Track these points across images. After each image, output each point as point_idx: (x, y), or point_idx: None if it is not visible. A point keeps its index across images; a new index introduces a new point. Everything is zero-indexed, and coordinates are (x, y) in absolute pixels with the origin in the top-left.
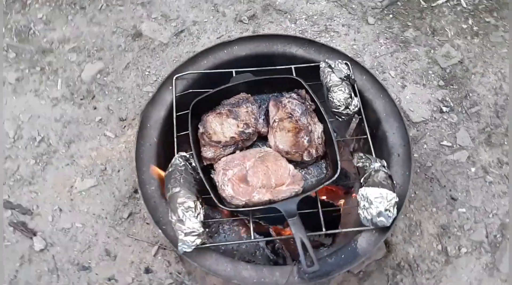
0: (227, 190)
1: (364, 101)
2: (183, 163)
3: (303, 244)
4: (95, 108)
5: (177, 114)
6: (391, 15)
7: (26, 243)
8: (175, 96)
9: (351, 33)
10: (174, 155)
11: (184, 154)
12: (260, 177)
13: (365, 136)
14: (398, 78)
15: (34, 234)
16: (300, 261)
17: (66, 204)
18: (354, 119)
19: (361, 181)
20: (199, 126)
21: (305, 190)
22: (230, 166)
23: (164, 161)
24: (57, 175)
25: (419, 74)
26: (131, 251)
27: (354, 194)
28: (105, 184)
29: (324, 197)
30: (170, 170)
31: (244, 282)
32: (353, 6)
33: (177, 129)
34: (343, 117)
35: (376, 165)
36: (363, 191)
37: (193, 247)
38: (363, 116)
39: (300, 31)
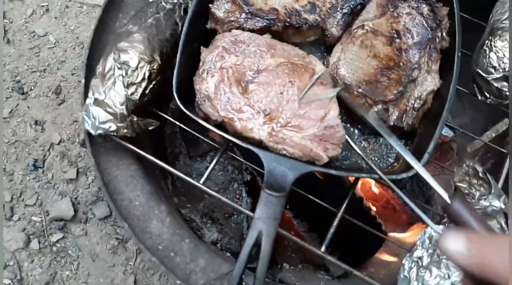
0: (207, 84)
1: None
2: (175, 1)
3: (257, 246)
4: None
5: None
6: None
7: None
8: None
9: None
10: None
11: None
12: (272, 95)
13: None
14: None
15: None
16: (234, 271)
17: (57, 7)
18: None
19: (445, 215)
20: None
21: (332, 165)
22: (238, 50)
23: None
24: None
25: None
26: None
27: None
28: None
29: (372, 207)
30: (151, 0)
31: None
32: None
33: None
34: (487, 95)
35: (495, 203)
36: (436, 232)
37: (99, 132)
38: None
39: None
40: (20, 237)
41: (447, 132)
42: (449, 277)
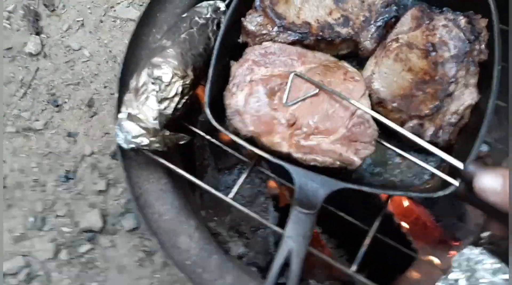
0: (237, 98)
1: None
2: (208, 15)
3: (286, 264)
4: None
5: None
6: None
7: (23, 37)
8: None
9: None
10: None
11: (220, 3)
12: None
13: None
14: None
15: (38, 33)
16: None
17: (92, 22)
18: None
19: (483, 235)
20: None
21: (362, 180)
22: (267, 61)
23: None
24: None
25: None
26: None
27: (452, 252)
28: None
29: (403, 223)
30: (184, 15)
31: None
32: None
33: None
34: None
35: None
36: (473, 254)
37: (131, 146)
38: None
39: None
40: (50, 247)
41: (482, 147)
42: None
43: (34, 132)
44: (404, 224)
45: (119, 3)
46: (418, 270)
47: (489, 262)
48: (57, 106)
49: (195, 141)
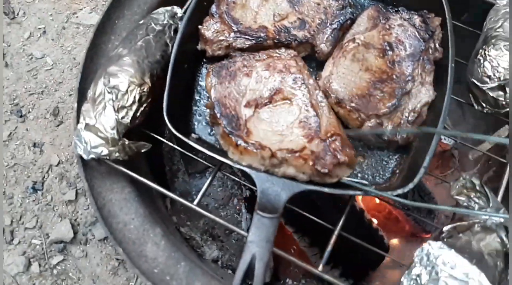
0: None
1: None
2: (165, 21)
3: (250, 268)
4: None
5: None
6: None
7: None
8: None
9: None
10: None
11: (177, 9)
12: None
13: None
14: None
15: None
16: None
17: (54, 29)
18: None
19: (445, 229)
20: None
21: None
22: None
23: None
24: None
25: None
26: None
27: (424, 244)
28: None
29: (374, 219)
30: (141, 21)
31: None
32: None
33: None
34: (484, 105)
35: (493, 217)
36: (435, 250)
37: (91, 156)
38: None
39: None
40: (21, 261)
41: (448, 140)
42: None
43: None
44: (375, 220)
45: (81, 9)
46: (393, 263)
47: (448, 256)
48: (21, 116)
49: (163, 146)
